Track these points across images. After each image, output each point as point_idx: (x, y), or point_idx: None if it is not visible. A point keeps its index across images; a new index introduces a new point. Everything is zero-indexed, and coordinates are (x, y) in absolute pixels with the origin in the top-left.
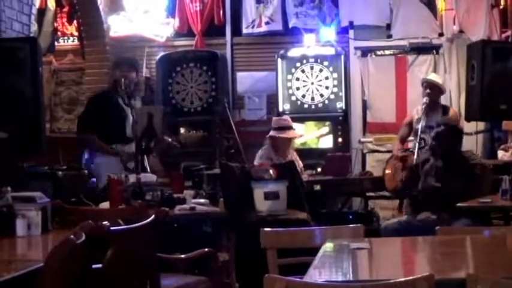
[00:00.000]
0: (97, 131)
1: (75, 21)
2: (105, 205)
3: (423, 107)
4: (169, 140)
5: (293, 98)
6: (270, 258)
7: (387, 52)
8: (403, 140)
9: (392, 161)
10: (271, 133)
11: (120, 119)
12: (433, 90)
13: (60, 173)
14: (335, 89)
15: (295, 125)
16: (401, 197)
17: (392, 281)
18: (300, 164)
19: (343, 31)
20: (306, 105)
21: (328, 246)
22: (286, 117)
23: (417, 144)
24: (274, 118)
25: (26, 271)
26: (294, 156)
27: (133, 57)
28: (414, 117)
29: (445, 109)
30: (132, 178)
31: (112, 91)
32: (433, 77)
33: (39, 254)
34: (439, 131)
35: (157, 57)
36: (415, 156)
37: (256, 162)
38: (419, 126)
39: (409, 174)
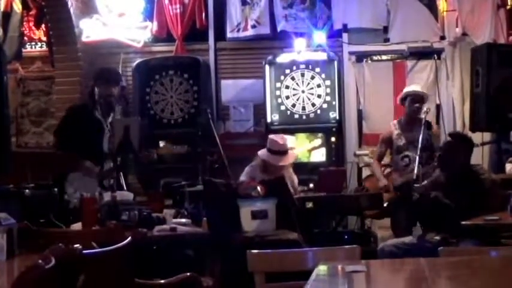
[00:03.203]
0: (73, 146)
1: (43, 26)
2: (77, 226)
3: (404, 121)
4: (148, 154)
5: (282, 107)
6: (258, 283)
7: (384, 57)
8: (381, 160)
9: (372, 182)
10: (265, 156)
11: (97, 133)
12: (420, 102)
13: (27, 191)
14: (328, 98)
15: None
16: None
17: None
18: (295, 181)
19: (336, 35)
20: (296, 116)
21: (321, 269)
22: (284, 138)
23: (402, 163)
24: (270, 137)
25: None
26: (289, 173)
27: (115, 68)
28: (393, 133)
29: (427, 122)
30: (107, 196)
31: (89, 103)
32: (417, 87)
33: (4, 281)
34: (450, 142)
35: (134, 64)
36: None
37: (241, 178)
38: (404, 143)
39: (395, 195)
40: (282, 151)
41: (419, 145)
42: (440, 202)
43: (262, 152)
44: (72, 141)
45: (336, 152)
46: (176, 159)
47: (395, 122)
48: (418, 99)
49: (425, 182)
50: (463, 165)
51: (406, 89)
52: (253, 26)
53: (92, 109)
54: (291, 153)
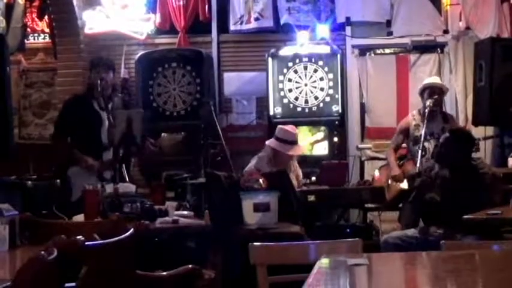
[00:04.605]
0: (72, 138)
1: (46, 17)
2: (79, 218)
3: (425, 112)
4: (151, 147)
5: (285, 100)
6: (260, 276)
7: (387, 51)
8: (398, 149)
9: (386, 171)
10: (274, 145)
11: (96, 125)
12: (440, 94)
13: (29, 183)
14: (331, 91)
15: None
16: (398, 209)
17: None
18: (300, 175)
19: (339, 28)
20: (299, 109)
21: (323, 262)
22: (294, 129)
23: (420, 152)
24: (280, 126)
25: None
26: (294, 166)
27: (109, 57)
28: (411, 124)
29: (445, 115)
30: (109, 188)
31: (87, 95)
32: (436, 79)
33: (6, 272)
34: (448, 137)
35: (137, 57)
36: (417, 165)
37: (247, 169)
38: (421, 134)
39: (410, 184)
40: (292, 141)
41: (433, 138)
42: (436, 203)
43: (270, 141)
44: (70, 133)
45: (339, 146)
46: (178, 151)
47: (414, 112)
48: (437, 91)
49: (431, 175)
50: (462, 161)
51: (425, 81)
52: (257, 19)
53: (90, 101)
54: (300, 145)
